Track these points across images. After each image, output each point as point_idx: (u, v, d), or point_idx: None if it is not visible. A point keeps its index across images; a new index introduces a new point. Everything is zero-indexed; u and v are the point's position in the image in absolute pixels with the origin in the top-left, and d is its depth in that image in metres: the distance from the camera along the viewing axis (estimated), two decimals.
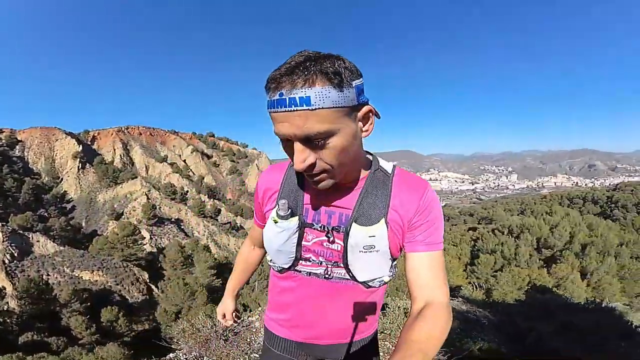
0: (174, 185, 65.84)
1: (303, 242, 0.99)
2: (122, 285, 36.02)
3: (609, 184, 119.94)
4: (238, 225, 65.68)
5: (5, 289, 29.30)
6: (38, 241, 37.44)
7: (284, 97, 0.72)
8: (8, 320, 24.42)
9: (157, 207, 56.47)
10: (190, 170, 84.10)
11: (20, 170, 61.43)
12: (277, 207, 0.97)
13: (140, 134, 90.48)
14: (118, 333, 27.27)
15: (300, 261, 1.02)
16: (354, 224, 0.93)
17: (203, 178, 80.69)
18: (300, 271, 1.03)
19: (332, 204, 0.96)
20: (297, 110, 0.72)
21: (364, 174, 0.98)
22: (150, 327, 30.99)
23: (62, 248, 38.15)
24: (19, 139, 70.42)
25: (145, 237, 46.17)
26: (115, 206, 56.82)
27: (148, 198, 56.76)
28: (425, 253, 0.93)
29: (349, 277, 1.00)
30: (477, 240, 24.24)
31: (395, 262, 1.02)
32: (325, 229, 0.96)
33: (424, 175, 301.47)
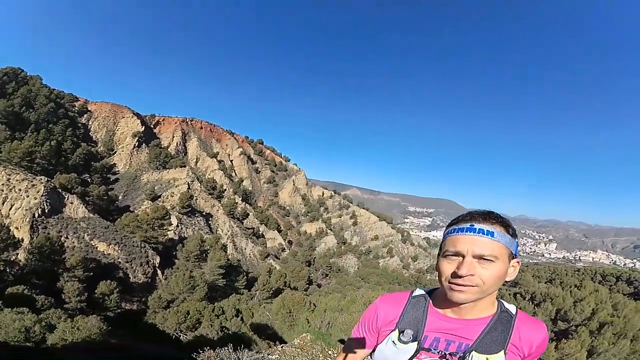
0: (216, 182, 67.08)
1: None
2: (131, 264, 36.08)
3: None
4: (260, 232, 65.70)
5: (22, 241, 29.48)
6: (72, 203, 38.03)
7: (474, 227, 1.09)
8: (8, 270, 24.64)
9: (195, 198, 57.23)
10: (234, 171, 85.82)
11: (80, 135, 64.10)
12: (400, 333, 1.21)
13: (201, 127, 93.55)
14: (105, 307, 26.93)
15: None
16: (474, 352, 1.12)
17: (242, 181, 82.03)
18: None
19: (454, 333, 1.17)
20: (482, 236, 1.07)
21: (489, 311, 1.18)
22: (139, 308, 30.62)
23: (91, 215, 38.66)
24: (89, 109, 74.47)
25: (172, 224, 46.42)
26: (155, 188, 57.72)
27: (189, 188, 57.69)
28: None
29: None
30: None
31: None
32: (442, 353, 1.15)
33: None
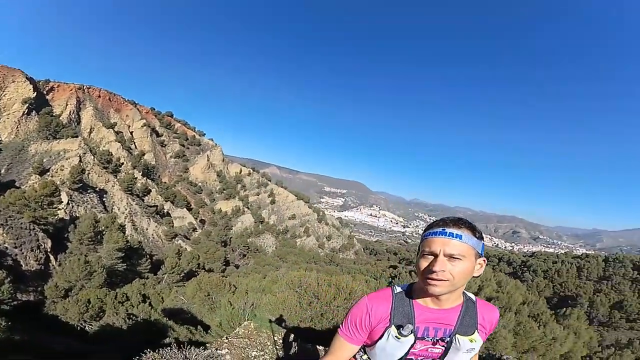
0: (112, 154, 59.44)
1: (412, 350, 1.42)
2: (21, 250, 31.33)
3: (527, 251, 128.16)
4: (165, 211, 60.69)
5: None
6: None
7: (445, 231, 1.30)
8: None
9: (87, 172, 50.68)
10: (134, 143, 77.78)
11: None
12: (399, 328, 1.40)
13: (99, 96, 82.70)
14: None
15: None
16: (458, 334, 1.41)
17: (144, 154, 74.62)
18: None
19: (437, 322, 1.42)
20: (452, 239, 1.28)
21: (459, 301, 1.44)
22: (36, 299, 27.27)
23: None
24: None
25: (62, 202, 41.14)
26: (44, 160, 49.95)
27: (81, 160, 50.77)
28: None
29: None
30: (394, 277, 26.05)
31: None
32: (434, 340, 1.43)
33: (367, 210, 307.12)
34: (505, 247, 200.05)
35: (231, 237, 61.03)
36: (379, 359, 1.48)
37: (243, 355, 4.71)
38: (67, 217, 41.11)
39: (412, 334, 1.39)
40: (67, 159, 50.40)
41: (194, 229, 60.95)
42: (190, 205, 68.81)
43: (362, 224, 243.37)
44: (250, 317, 8.37)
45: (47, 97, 70.34)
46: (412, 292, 1.47)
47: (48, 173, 47.54)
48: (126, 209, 51.77)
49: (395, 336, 1.39)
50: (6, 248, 30.62)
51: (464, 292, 1.47)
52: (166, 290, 26.97)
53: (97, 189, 50.92)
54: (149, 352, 3.69)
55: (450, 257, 1.27)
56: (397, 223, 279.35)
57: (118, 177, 55.99)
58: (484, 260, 1.37)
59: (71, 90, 75.17)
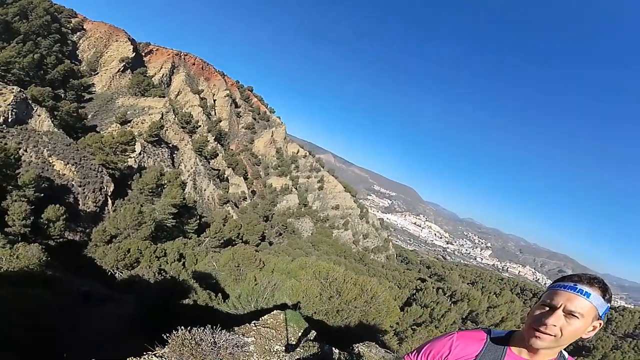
0: (192, 116, 64.38)
1: None
2: (84, 189, 34.06)
3: None
4: (225, 176, 64.18)
5: None
6: (39, 115, 35.69)
7: (576, 287, 1.21)
8: None
9: (165, 129, 54.60)
10: (215, 110, 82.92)
11: (67, 52, 60.22)
12: None
13: (194, 63, 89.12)
14: (48, 234, 25.29)
15: None
16: None
17: (220, 121, 79.56)
18: None
19: None
20: (579, 295, 1.19)
21: (552, 356, 1.30)
22: (81, 240, 29.12)
23: (55, 130, 36.28)
24: (84, 27, 69.34)
25: (135, 151, 44.07)
26: (128, 113, 54.67)
27: (162, 117, 54.76)
28: None
29: None
30: (419, 290, 24.82)
31: None
32: None
33: (413, 217, 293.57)
34: (544, 284, 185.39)
35: (274, 214, 62.95)
36: None
37: (266, 347, 4.66)
38: (135, 166, 44.14)
39: None
40: (149, 115, 54.62)
41: (245, 198, 63.72)
42: (247, 175, 72.24)
43: (403, 230, 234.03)
44: (269, 296, 8.60)
45: (145, 58, 77.51)
46: (509, 340, 1.38)
47: (129, 124, 51.92)
48: (192, 168, 54.94)
49: None
50: (72, 185, 33.37)
51: (561, 351, 1.35)
52: (202, 253, 26.78)
53: (171, 145, 54.61)
54: (181, 329, 3.74)
55: (570, 313, 1.19)
56: (440, 237, 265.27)
57: (192, 138, 59.74)
58: (600, 324, 1.25)
59: (169, 55, 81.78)
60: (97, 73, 63.75)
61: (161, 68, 77.26)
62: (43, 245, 19.63)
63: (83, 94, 56.61)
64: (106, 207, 35.78)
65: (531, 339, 1.22)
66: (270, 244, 49.55)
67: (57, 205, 26.38)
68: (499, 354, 1.33)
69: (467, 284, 53.22)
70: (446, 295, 23.19)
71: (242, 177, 67.62)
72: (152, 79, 70.75)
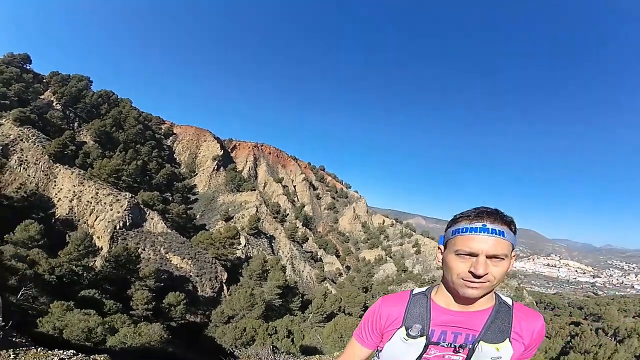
0: (280, 206, 68.08)
1: (424, 356, 1.21)
2: (201, 278, 36.95)
3: None
4: (319, 257, 65.26)
5: (102, 249, 31.41)
6: (152, 219, 39.99)
7: (487, 227, 1.11)
8: (84, 274, 25.51)
9: (261, 221, 58.43)
10: (297, 196, 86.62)
11: (165, 157, 68.31)
12: (408, 329, 1.22)
13: (270, 153, 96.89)
14: (170, 317, 27.38)
15: None
16: (482, 341, 1.17)
17: (304, 206, 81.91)
18: None
19: (459, 325, 1.20)
20: (495, 236, 1.10)
21: (489, 304, 1.23)
22: (202, 321, 31.43)
23: (169, 231, 40.20)
24: (175, 132, 79.63)
25: (241, 243, 47.43)
26: (229, 209, 60.05)
27: (257, 211, 59.20)
28: None
29: None
30: (574, 336, 22.38)
31: None
32: (452, 346, 1.19)
33: (542, 260, 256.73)
34: None
35: (372, 284, 60.38)
36: None
37: None
38: (243, 256, 47.26)
39: (424, 337, 1.20)
40: (247, 209, 59.43)
41: (340, 274, 62.55)
42: (339, 253, 71.83)
43: (535, 274, 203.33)
44: None
45: (232, 154, 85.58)
46: (433, 294, 1.30)
47: (232, 220, 56.56)
48: (288, 253, 57.10)
49: (403, 338, 1.22)
50: (190, 276, 36.45)
51: (497, 294, 1.28)
52: (308, 328, 27.59)
53: (268, 235, 57.74)
54: (248, 348, 3.94)
55: (494, 257, 1.09)
56: (584, 273, 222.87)
57: (284, 226, 62.57)
58: (515, 254, 1.19)
59: (249, 148, 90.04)
60: (196, 174, 71.20)
61: (246, 161, 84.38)
62: (165, 325, 21.31)
63: (188, 195, 62.90)
64: (222, 292, 38.22)
65: (465, 291, 1.12)
66: None
67: (178, 292, 28.77)
68: (424, 309, 1.25)
69: (632, 317, 42.92)
70: (608, 335, 19.62)
71: (334, 255, 67.74)
72: (242, 173, 77.44)
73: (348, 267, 68.92)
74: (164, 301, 27.71)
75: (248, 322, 25.65)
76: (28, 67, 58.31)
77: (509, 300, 1.27)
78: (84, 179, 39.33)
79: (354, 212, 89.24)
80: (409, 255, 75.50)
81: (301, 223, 70.46)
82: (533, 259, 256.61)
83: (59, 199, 37.33)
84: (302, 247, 63.85)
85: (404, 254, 76.47)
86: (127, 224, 37.11)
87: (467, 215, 1.16)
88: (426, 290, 1.33)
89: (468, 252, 1.10)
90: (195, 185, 68.59)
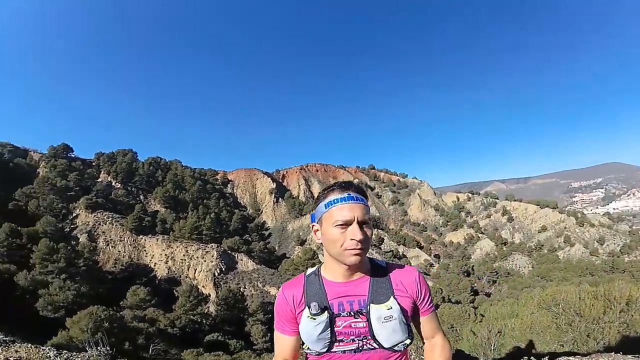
0: None
1: (335, 328, 1.29)
2: None
3: None
4: (400, 253, 63.70)
5: (210, 295, 33.87)
6: (241, 260, 42.50)
7: (352, 196, 1.24)
8: (204, 321, 27.47)
9: None
10: None
11: (231, 203, 72.65)
12: (309, 308, 1.29)
13: (317, 170, 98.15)
14: None
15: (335, 343, 1.31)
16: (371, 304, 1.28)
17: None
18: (335, 351, 1.31)
19: (349, 295, 1.31)
20: (360, 203, 1.23)
21: (366, 268, 1.35)
22: None
23: (258, 266, 42.30)
24: (229, 178, 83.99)
25: (322, 262, 49.47)
26: (300, 234, 62.00)
27: None
28: (428, 315, 1.37)
29: (377, 346, 1.29)
30: None
31: (410, 328, 1.33)
32: (351, 314, 1.29)
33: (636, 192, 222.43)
34: None
35: (473, 266, 57.22)
36: (309, 345, 1.34)
37: None
38: None
39: (325, 312, 1.28)
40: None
41: (431, 265, 60.24)
42: (420, 244, 69.41)
43: None
44: (498, 346, 7.86)
45: (284, 183, 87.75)
46: (322, 271, 1.39)
47: (306, 243, 57.99)
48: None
49: (309, 317, 1.29)
50: None
51: (371, 258, 1.39)
52: None
53: None
54: None
55: (363, 223, 1.21)
56: None
57: None
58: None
59: (296, 172, 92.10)
60: (261, 211, 74.24)
61: (299, 185, 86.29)
62: None
63: (262, 231, 66.05)
64: None
65: (349, 259, 1.21)
66: (488, 295, 44.61)
67: None
68: (317, 286, 1.34)
69: None
70: None
71: (416, 248, 65.42)
72: (298, 198, 79.13)
73: (437, 256, 66.02)
74: None
75: None
76: (72, 155, 61.82)
77: (382, 262, 1.39)
78: (170, 242, 42.24)
79: (420, 198, 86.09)
80: (502, 225, 70.61)
81: None
82: (632, 194, 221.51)
83: (155, 263, 40.37)
84: (380, 249, 62.73)
85: (496, 225, 71.66)
86: (223, 269, 39.54)
87: (332, 189, 1.27)
88: (316, 269, 1.41)
89: (346, 220, 1.19)
90: (264, 221, 71.33)
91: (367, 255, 1.31)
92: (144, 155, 73.27)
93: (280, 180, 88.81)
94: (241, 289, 35.62)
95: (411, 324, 1.35)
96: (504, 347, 7.74)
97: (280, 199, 76.09)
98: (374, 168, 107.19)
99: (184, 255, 40.96)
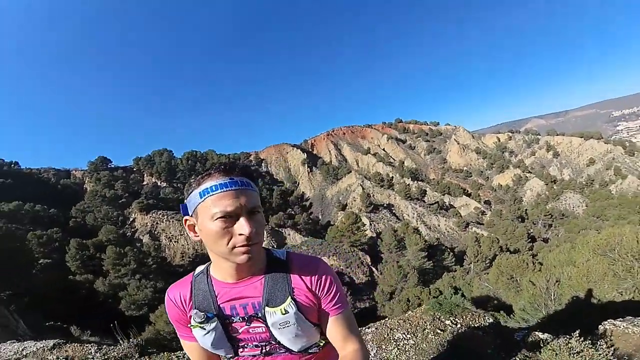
0: (381, 173, 67.33)
1: (233, 334, 1.15)
2: (351, 268, 39.16)
3: None
4: (447, 204, 62.92)
5: None
6: (289, 234, 44.39)
7: (235, 180, 1.00)
8: None
9: (371, 195, 58.99)
10: (391, 157, 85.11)
11: (268, 181, 75.24)
12: (193, 316, 1.12)
13: (344, 133, 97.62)
14: None
15: (239, 349, 1.18)
16: (266, 307, 1.10)
17: (403, 162, 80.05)
18: (244, 355, 1.19)
19: (242, 296, 1.12)
20: (245, 189, 1.00)
21: (262, 265, 1.14)
22: (370, 305, 32.98)
23: (306, 238, 44.10)
24: (261, 157, 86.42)
25: (365, 224, 48.00)
26: (340, 199, 62.18)
27: (363, 188, 59.90)
28: (335, 316, 1.16)
29: (285, 351, 1.16)
30: None
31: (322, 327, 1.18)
32: (245, 319, 1.12)
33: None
34: None
35: (526, 209, 56.06)
36: (212, 352, 1.20)
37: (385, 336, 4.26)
38: (374, 234, 48.30)
39: (215, 319, 1.12)
40: (353, 191, 60.78)
41: (483, 212, 59.20)
42: (467, 191, 68.10)
43: None
44: (557, 296, 7.55)
45: (314, 152, 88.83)
46: (211, 270, 1.18)
47: (347, 207, 58.15)
48: (414, 213, 56.41)
49: (194, 325, 1.13)
50: (342, 269, 38.82)
51: (268, 250, 1.19)
52: (475, 279, 26.94)
53: (385, 204, 58.00)
54: None
55: (252, 211, 1.00)
56: None
57: (395, 189, 62.22)
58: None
59: (323, 139, 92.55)
60: (298, 183, 75.99)
61: (329, 151, 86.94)
62: None
63: (303, 203, 67.68)
64: (373, 274, 40.76)
65: (240, 257, 1.00)
66: (545, 240, 43.92)
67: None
68: (205, 286, 1.15)
69: None
70: None
71: (463, 196, 64.28)
72: (331, 164, 79.83)
73: (487, 202, 65.12)
74: None
75: (409, 292, 26.54)
76: (112, 166, 66.52)
77: (281, 255, 1.19)
78: None
79: (457, 143, 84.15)
80: (548, 162, 68.19)
81: (410, 179, 68.95)
82: None
83: None
84: (424, 202, 62.48)
85: (543, 162, 69.27)
86: (274, 246, 41.72)
87: (209, 173, 1.02)
88: (205, 268, 1.21)
89: (229, 212, 0.96)
90: (302, 192, 72.83)
91: (269, 247, 1.21)
92: (179, 152, 76.66)
93: (310, 150, 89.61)
94: None
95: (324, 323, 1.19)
96: (563, 297, 7.44)
97: (313, 167, 77.07)
98: (401, 121, 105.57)
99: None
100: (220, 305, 1.13)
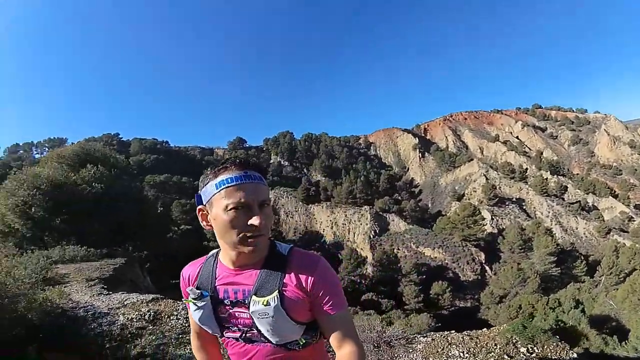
0: (511, 164, 61.79)
1: (220, 315, 1.23)
2: (458, 264, 38.24)
3: None
4: (590, 205, 54.43)
5: (367, 257, 36.94)
6: (393, 220, 44.33)
7: (249, 173, 1.10)
8: (362, 282, 30.79)
9: (497, 187, 54.78)
10: (526, 146, 76.48)
11: (377, 165, 76.11)
12: (189, 292, 1.25)
13: (465, 119, 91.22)
14: (440, 306, 29.69)
15: (224, 330, 1.25)
16: (253, 295, 1.16)
17: (541, 153, 71.45)
18: (229, 337, 1.26)
19: (238, 283, 1.21)
20: (258, 183, 1.11)
21: (263, 254, 1.22)
22: (472, 305, 32.67)
23: (411, 226, 43.37)
24: (370, 141, 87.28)
25: (485, 218, 45.48)
26: (456, 188, 58.88)
27: (487, 179, 55.91)
28: (331, 315, 1.18)
29: (265, 340, 1.20)
30: None
31: (309, 327, 1.22)
32: (235, 303, 1.20)
33: None
34: None
35: None
36: (201, 327, 1.31)
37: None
38: (495, 230, 44.96)
39: (208, 297, 1.22)
40: (474, 181, 57.12)
41: (630, 219, 49.72)
42: (615, 192, 58.14)
43: None
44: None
45: (427, 137, 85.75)
46: (221, 253, 1.29)
47: (464, 197, 55.03)
48: (549, 212, 50.92)
49: (188, 300, 1.25)
50: (447, 263, 38.13)
51: (274, 243, 1.26)
52: (602, 294, 25.28)
53: (514, 199, 53.29)
54: None
55: (263, 203, 1.10)
56: None
57: (529, 183, 56.30)
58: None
59: (439, 124, 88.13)
60: (407, 168, 74.81)
61: (445, 137, 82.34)
62: (434, 314, 23.86)
63: (412, 189, 66.61)
64: (485, 273, 38.15)
65: (248, 248, 1.10)
66: None
67: (441, 282, 31.09)
68: (210, 268, 1.27)
69: None
70: None
71: (609, 197, 54.59)
72: (447, 150, 75.65)
73: (638, 207, 54.23)
74: (430, 292, 30.43)
75: (523, 298, 25.35)
76: (247, 145, 78.95)
77: (284, 249, 1.24)
78: (332, 207, 47.91)
79: (608, 135, 71.01)
80: None
81: (548, 172, 61.06)
82: None
83: (323, 229, 47.15)
84: (563, 200, 54.97)
85: None
86: (377, 231, 42.28)
87: (225, 167, 1.11)
88: (217, 251, 1.32)
89: (243, 204, 1.07)
90: (412, 178, 71.57)
91: (276, 240, 1.29)
92: (298, 133, 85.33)
93: (423, 135, 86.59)
94: (395, 250, 38.19)
95: (314, 321, 1.23)
96: None
97: (426, 153, 74.39)
98: (540, 107, 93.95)
99: (344, 219, 45.45)
100: (217, 287, 1.23)
